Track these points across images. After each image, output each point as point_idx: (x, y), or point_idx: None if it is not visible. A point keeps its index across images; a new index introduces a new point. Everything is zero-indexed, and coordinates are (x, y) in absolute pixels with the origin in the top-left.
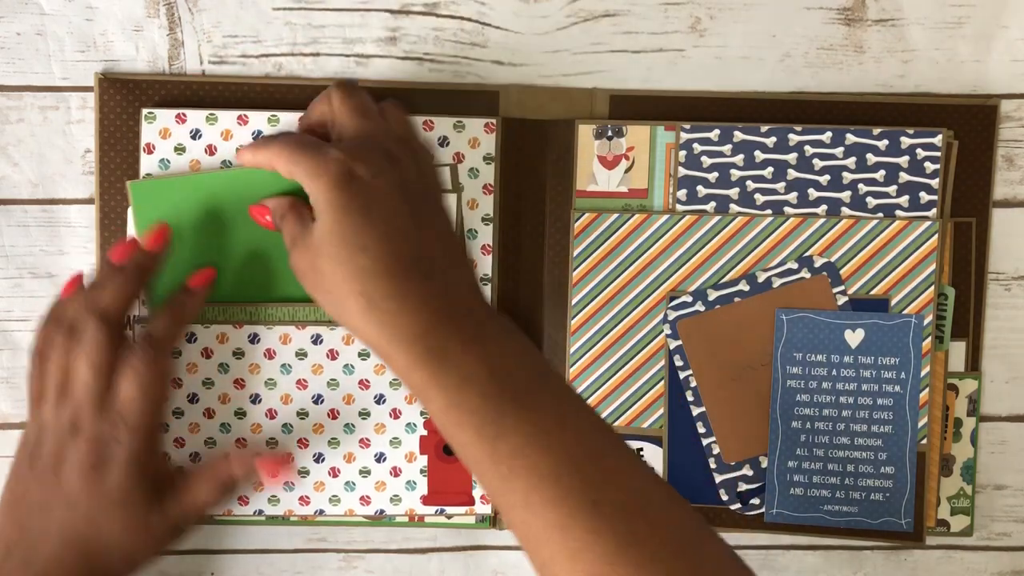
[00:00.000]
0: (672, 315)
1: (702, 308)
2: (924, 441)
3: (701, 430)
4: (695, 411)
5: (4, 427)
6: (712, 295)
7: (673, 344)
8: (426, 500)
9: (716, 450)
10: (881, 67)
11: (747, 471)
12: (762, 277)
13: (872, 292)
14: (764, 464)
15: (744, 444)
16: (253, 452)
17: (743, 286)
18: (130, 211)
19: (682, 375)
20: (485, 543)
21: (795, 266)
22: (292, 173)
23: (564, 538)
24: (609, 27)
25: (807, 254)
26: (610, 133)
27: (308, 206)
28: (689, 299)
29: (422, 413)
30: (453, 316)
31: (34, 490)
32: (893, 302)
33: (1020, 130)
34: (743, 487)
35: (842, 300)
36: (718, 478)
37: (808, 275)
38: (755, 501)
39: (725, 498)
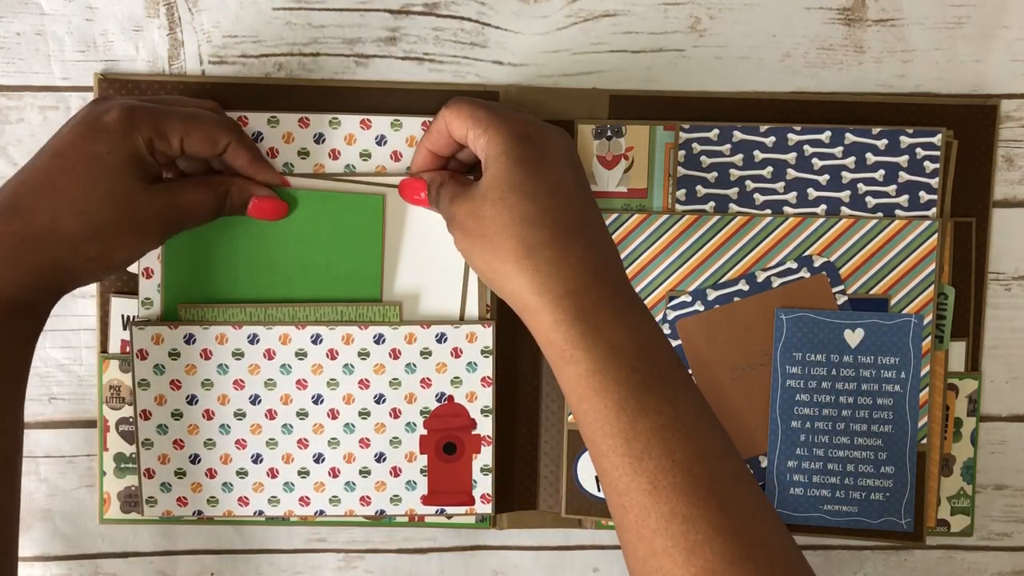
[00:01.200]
0: (672, 315)
1: (701, 308)
2: (924, 441)
3: None
4: None
5: None
6: (711, 295)
7: (673, 344)
8: (426, 500)
9: None
10: (881, 67)
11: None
12: (761, 277)
13: (872, 292)
14: (764, 464)
15: (744, 444)
16: (254, 186)
17: (742, 286)
18: None
19: None
20: (485, 543)
21: (794, 266)
22: (470, 128)
23: (686, 530)
24: (609, 27)
25: (806, 254)
26: (609, 133)
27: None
28: (688, 299)
29: (422, 412)
30: (608, 282)
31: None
32: (893, 302)
33: (1020, 130)
34: None
35: (842, 300)
36: None
37: (807, 275)
38: None
39: None
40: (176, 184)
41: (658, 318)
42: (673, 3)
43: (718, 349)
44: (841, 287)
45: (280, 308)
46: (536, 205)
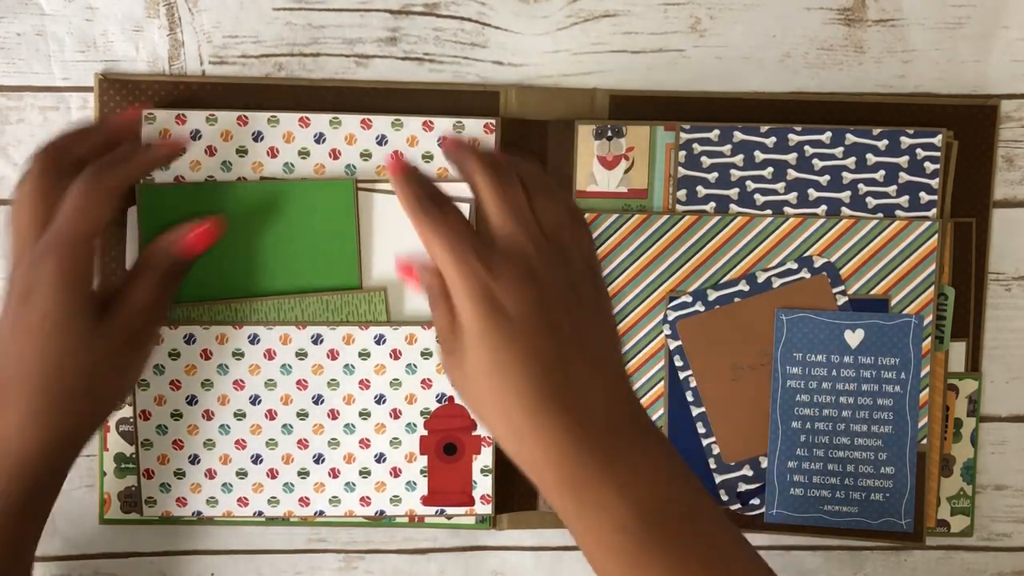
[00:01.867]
0: (672, 315)
1: (702, 308)
2: (924, 441)
3: (701, 430)
4: (695, 411)
5: None
6: (712, 295)
7: (673, 344)
8: (426, 501)
9: (716, 450)
10: (881, 67)
11: (747, 471)
12: (762, 277)
13: (872, 292)
14: (764, 464)
15: (744, 444)
16: (172, 235)
17: (743, 286)
18: (131, 212)
19: (682, 375)
20: (485, 543)
21: (795, 266)
22: (443, 266)
23: None
24: (609, 27)
25: (807, 254)
26: (610, 133)
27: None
28: (689, 299)
29: (422, 413)
30: (593, 442)
31: None
32: (893, 302)
33: (1020, 130)
34: (743, 487)
35: (842, 300)
36: (718, 478)
37: (808, 275)
38: (755, 501)
39: (725, 498)
40: (117, 305)
41: (659, 318)
42: (673, 3)
43: (718, 350)
44: (841, 287)
45: (264, 301)
46: (510, 392)
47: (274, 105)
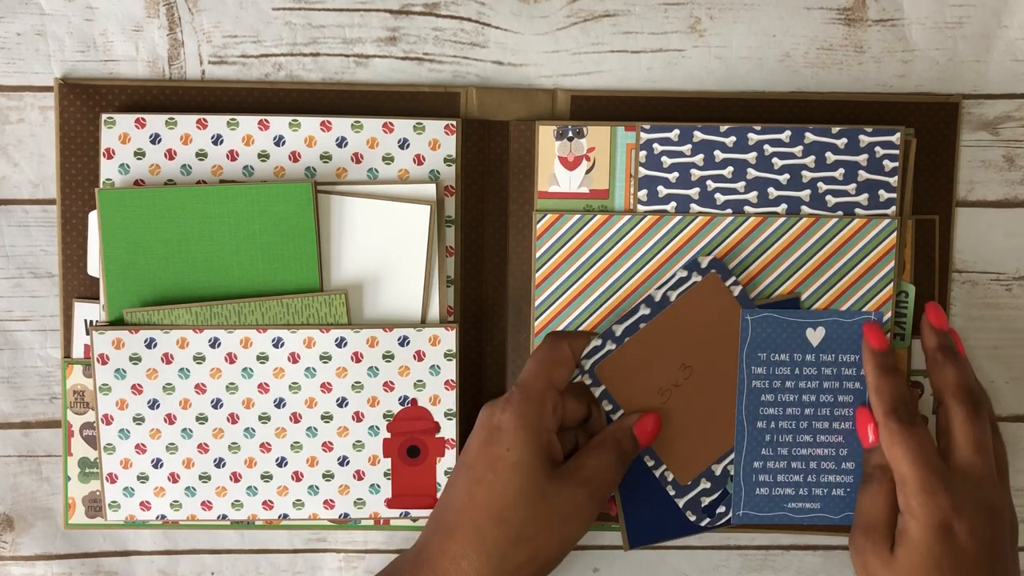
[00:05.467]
0: (587, 363)
1: (613, 346)
2: None
3: (650, 463)
4: None
5: (4, 427)
6: (618, 330)
7: (598, 391)
8: (390, 503)
9: (670, 476)
10: (881, 67)
11: (705, 484)
12: (658, 295)
13: (832, 290)
14: (718, 471)
15: (695, 459)
16: (627, 420)
17: (644, 310)
18: (93, 216)
19: (615, 417)
20: None
21: (684, 273)
22: (903, 478)
23: None
24: (609, 27)
25: (695, 258)
26: (570, 134)
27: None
28: (599, 342)
29: (385, 416)
30: None
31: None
32: (853, 300)
33: (1020, 130)
34: (706, 500)
35: (737, 290)
36: (680, 502)
37: (699, 277)
38: (721, 510)
39: (694, 518)
40: (575, 461)
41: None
42: (673, 3)
43: (641, 380)
44: (733, 279)
45: (224, 305)
46: None
47: (236, 109)
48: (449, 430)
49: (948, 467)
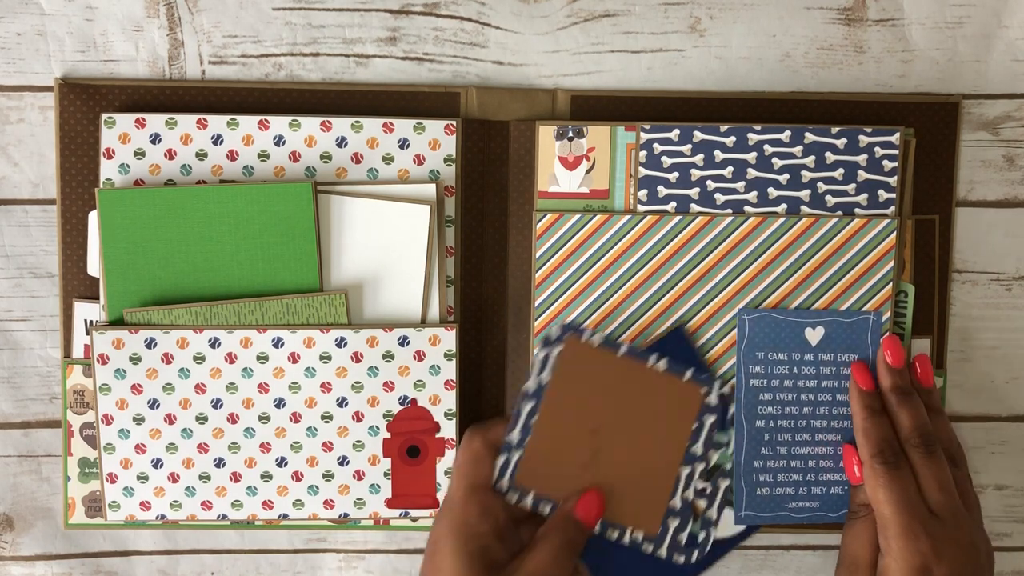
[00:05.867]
0: (504, 482)
1: (520, 453)
2: None
3: (614, 534)
4: (597, 529)
5: (4, 427)
6: (515, 437)
7: (528, 500)
8: (390, 503)
9: (640, 535)
10: (881, 67)
11: (674, 522)
12: (533, 385)
13: (832, 289)
14: (679, 504)
15: (651, 508)
16: (567, 512)
17: (527, 404)
18: (93, 216)
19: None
20: None
21: (543, 352)
22: (885, 521)
23: None
24: (609, 27)
25: (546, 333)
26: (571, 134)
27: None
28: (502, 459)
29: (385, 416)
30: None
31: None
32: (853, 298)
33: (1020, 130)
34: (683, 536)
35: (597, 340)
36: (663, 552)
37: (558, 347)
38: (702, 535)
39: (683, 559)
40: (516, 562)
41: (622, 318)
42: (673, 3)
43: (562, 467)
44: (588, 332)
45: (224, 305)
46: None
47: (233, 109)
48: (449, 430)
49: (926, 508)
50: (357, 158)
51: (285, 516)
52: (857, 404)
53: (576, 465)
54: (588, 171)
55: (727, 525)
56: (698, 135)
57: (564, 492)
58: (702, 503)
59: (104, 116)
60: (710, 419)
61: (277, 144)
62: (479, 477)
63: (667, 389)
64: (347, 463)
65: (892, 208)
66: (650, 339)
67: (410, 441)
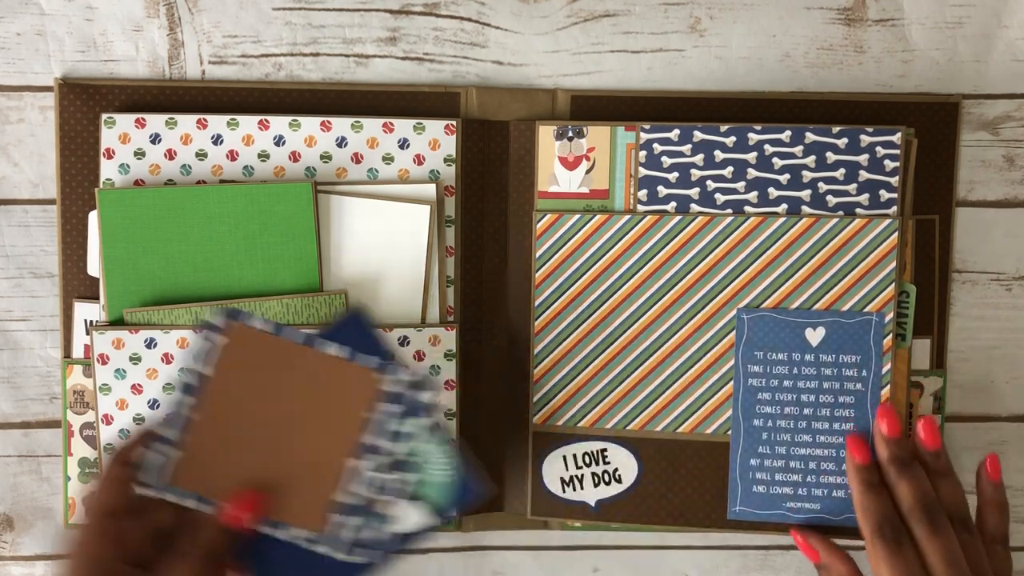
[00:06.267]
0: (156, 482)
1: (177, 454)
2: None
3: (281, 534)
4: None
5: (4, 427)
6: (166, 432)
7: (190, 501)
8: None
9: (302, 533)
10: (881, 67)
11: (337, 517)
12: (190, 378)
13: (833, 290)
14: (348, 499)
15: (312, 502)
16: (213, 511)
17: (186, 399)
18: (93, 216)
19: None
20: (485, 543)
21: (203, 342)
22: (873, 547)
23: None
24: (609, 27)
25: (207, 320)
26: (570, 134)
27: None
28: (155, 456)
29: None
30: None
31: None
32: (854, 299)
33: (1020, 130)
34: (345, 532)
35: (266, 325)
36: (326, 549)
37: (221, 337)
38: (371, 533)
39: (346, 557)
40: None
41: (622, 318)
42: (673, 3)
43: (230, 465)
44: (253, 317)
45: (224, 305)
46: None
47: (230, 107)
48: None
49: None
50: (357, 158)
51: None
52: (854, 479)
53: (239, 463)
54: (588, 171)
55: (411, 520)
56: (698, 135)
57: (227, 491)
58: (382, 498)
59: (104, 116)
60: (390, 408)
61: (277, 144)
62: (108, 503)
63: (337, 377)
64: None
65: (894, 208)
66: (331, 326)
67: None
